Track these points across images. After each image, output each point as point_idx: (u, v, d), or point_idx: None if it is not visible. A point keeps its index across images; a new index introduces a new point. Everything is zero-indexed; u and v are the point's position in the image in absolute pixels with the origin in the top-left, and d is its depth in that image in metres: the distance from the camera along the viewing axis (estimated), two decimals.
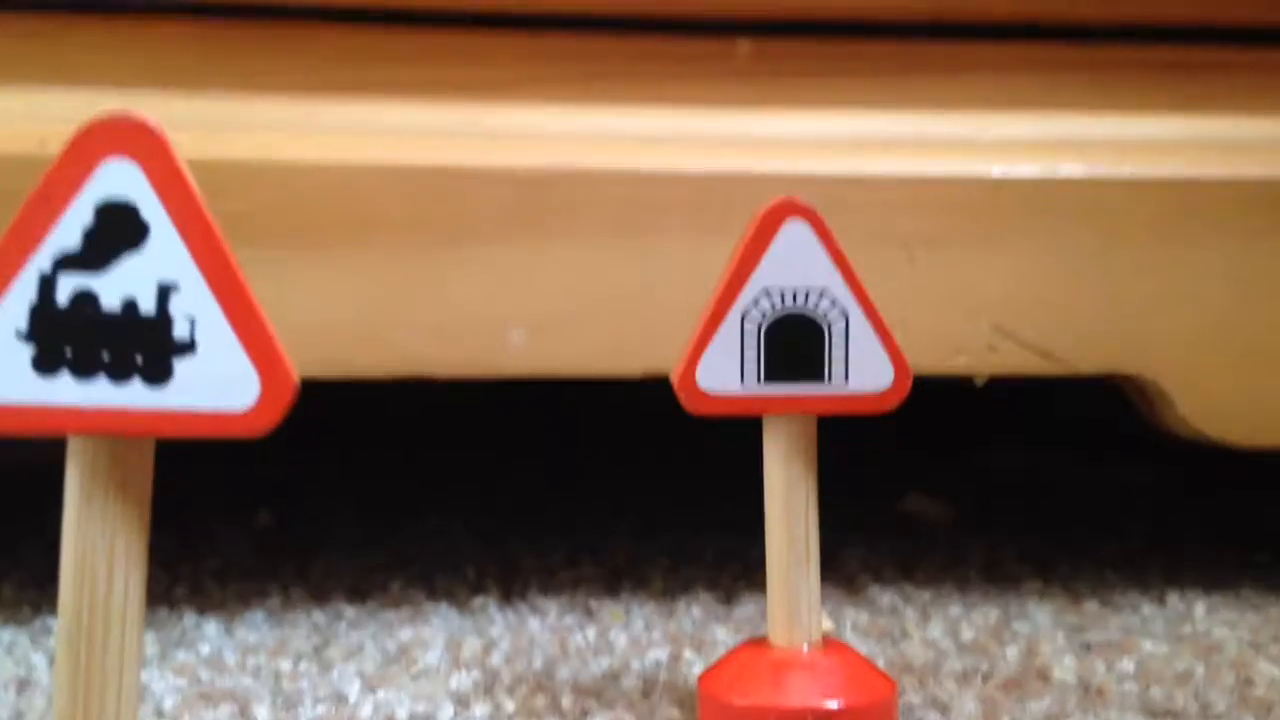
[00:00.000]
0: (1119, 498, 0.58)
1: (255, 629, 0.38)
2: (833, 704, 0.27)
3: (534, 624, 0.38)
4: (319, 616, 0.39)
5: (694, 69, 0.39)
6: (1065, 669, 0.33)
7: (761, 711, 0.27)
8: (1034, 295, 0.37)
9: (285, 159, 0.36)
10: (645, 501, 0.56)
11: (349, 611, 0.39)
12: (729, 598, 0.41)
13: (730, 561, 0.46)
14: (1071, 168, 0.38)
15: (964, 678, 0.32)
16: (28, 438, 0.19)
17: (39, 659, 0.34)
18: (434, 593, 0.42)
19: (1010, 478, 0.62)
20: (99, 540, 0.19)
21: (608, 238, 0.37)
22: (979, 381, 0.38)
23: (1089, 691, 0.31)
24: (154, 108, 0.36)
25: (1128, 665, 0.33)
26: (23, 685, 0.32)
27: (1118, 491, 0.59)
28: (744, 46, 0.40)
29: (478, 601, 0.40)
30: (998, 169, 0.38)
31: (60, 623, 0.20)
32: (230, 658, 0.35)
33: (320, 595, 0.41)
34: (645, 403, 0.68)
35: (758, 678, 0.28)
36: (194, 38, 0.37)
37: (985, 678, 0.32)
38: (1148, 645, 0.35)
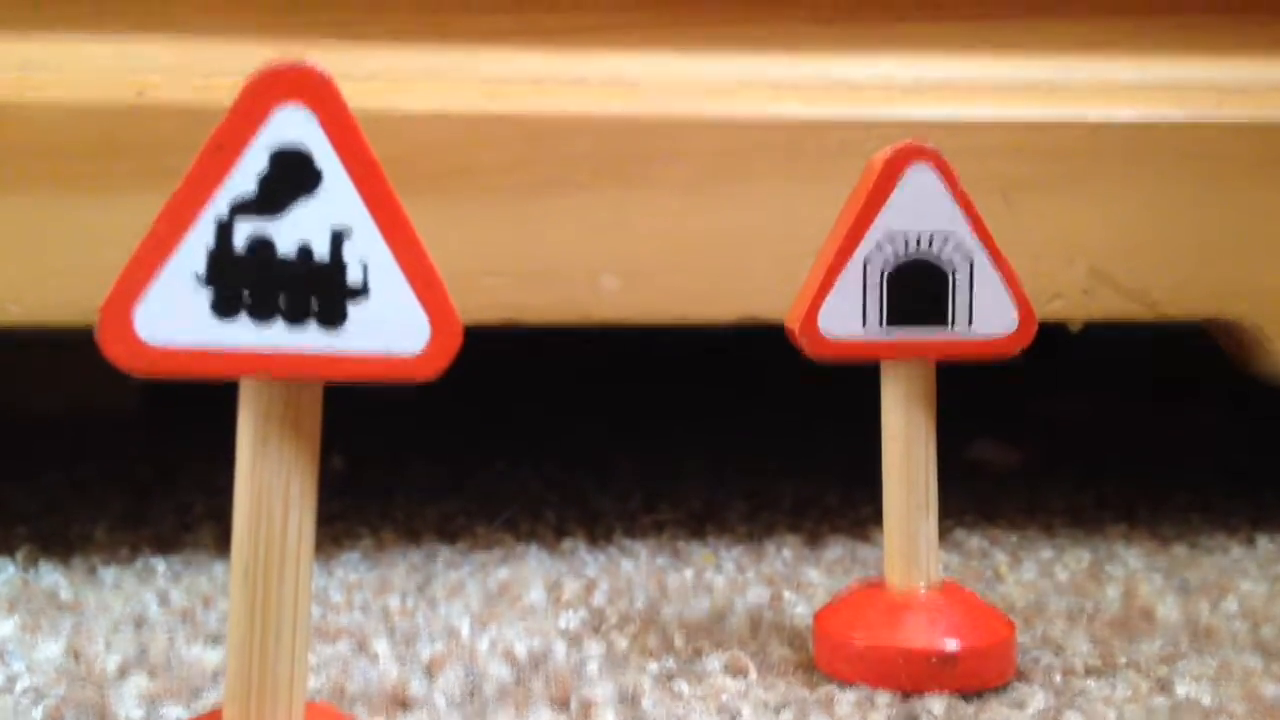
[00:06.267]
0: (1188, 442, 0.58)
1: (354, 568, 0.38)
2: (953, 644, 0.27)
3: (627, 565, 0.39)
4: (415, 556, 0.39)
5: (784, 12, 0.39)
6: (1169, 609, 0.33)
7: (883, 651, 0.27)
8: (1131, 240, 0.37)
9: (377, 107, 0.36)
10: (710, 449, 0.57)
11: (443, 552, 0.40)
12: (814, 541, 0.42)
13: (808, 506, 0.46)
14: (1169, 111, 0.38)
15: (1070, 618, 0.32)
16: (204, 380, 0.19)
17: (149, 596, 0.35)
18: (520, 535, 0.42)
19: (1075, 423, 0.62)
20: (274, 481, 0.20)
21: (699, 184, 0.37)
22: (1074, 328, 0.38)
23: (1198, 631, 0.31)
24: (246, 56, 0.36)
25: (1231, 605, 0.33)
26: (139, 623, 0.33)
27: (1185, 435, 0.59)
28: None
29: (567, 544, 0.41)
30: (1095, 113, 0.37)
31: (235, 561, 0.20)
32: (336, 595, 0.35)
33: (411, 536, 0.42)
34: (691, 351, 0.68)
35: (877, 618, 0.28)
36: None
37: (1091, 618, 0.32)
38: (1246, 586, 0.35)
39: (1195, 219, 0.37)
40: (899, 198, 0.27)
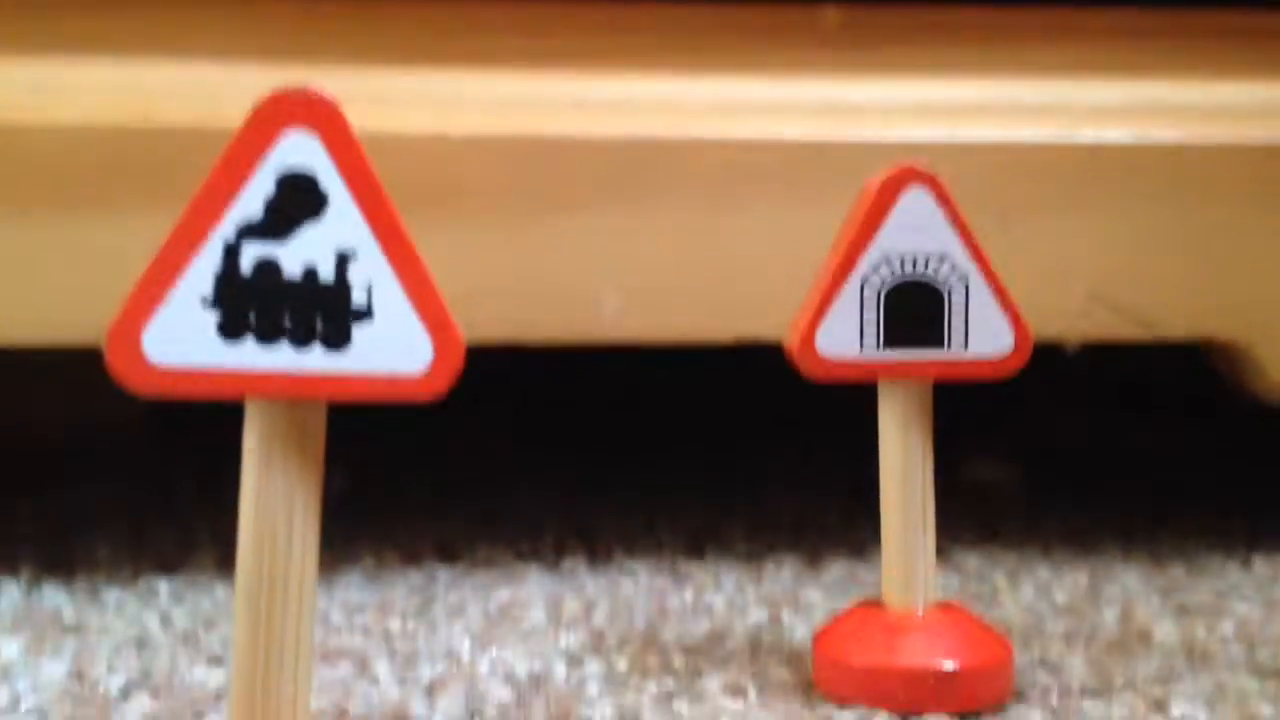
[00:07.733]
0: (1187, 462, 0.58)
1: (355, 589, 0.38)
2: (951, 665, 0.27)
3: (627, 586, 0.39)
4: (415, 577, 0.40)
5: (783, 36, 0.39)
6: (1166, 631, 0.33)
7: (881, 672, 0.28)
8: (1127, 261, 0.37)
9: (377, 129, 0.36)
10: (710, 467, 0.57)
11: (443, 573, 0.40)
12: (814, 561, 0.42)
13: (807, 525, 0.47)
14: (1163, 133, 0.38)
15: (1068, 639, 0.32)
16: (210, 401, 0.20)
17: (151, 618, 0.35)
18: (522, 555, 0.42)
19: (1075, 442, 0.62)
20: (279, 501, 0.20)
21: (700, 206, 0.37)
22: (1071, 348, 0.38)
23: (1194, 653, 0.31)
24: (249, 78, 0.37)
25: (1227, 627, 0.34)
26: (141, 644, 0.33)
27: (1184, 455, 0.59)
28: (832, 13, 0.40)
29: (567, 564, 0.41)
30: (1090, 134, 0.38)
31: (240, 582, 0.20)
32: (337, 617, 0.35)
33: (411, 557, 0.42)
34: (690, 370, 0.68)
35: (875, 639, 0.28)
36: (289, 10, 0.38)
37: (1088, 640, 0.32)
38: (1242, 608, 0.35)
39: (1191, 240, 0.37)
40: (895, 219, 0.28)
